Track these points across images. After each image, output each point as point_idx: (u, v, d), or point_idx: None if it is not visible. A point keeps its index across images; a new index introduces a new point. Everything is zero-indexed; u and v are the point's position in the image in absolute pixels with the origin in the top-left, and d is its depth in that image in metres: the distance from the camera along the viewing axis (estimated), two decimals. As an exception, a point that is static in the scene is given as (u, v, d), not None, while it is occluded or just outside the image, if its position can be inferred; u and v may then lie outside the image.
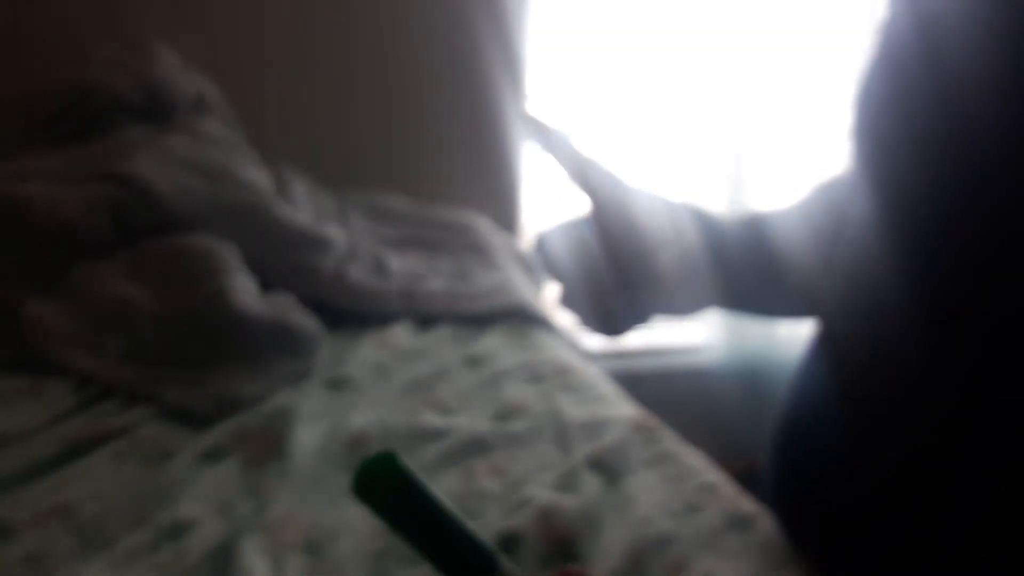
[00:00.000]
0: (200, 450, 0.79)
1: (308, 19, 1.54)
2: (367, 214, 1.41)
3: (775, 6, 1.74)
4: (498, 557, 0.34)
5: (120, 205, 1.07)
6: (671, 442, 0.82)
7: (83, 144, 1.18)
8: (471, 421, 0.86)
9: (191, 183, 1.12)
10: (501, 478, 0.76)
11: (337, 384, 0.95)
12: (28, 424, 0.81)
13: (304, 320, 1.00)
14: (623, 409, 0.89)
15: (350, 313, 1.13)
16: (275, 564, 0.63)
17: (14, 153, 1.15)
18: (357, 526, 0.67)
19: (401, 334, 1.10)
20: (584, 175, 0.66)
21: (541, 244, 0.72)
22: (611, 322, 0.70)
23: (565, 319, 1.02)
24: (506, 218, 1.67)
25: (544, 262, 0.72)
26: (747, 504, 0.70)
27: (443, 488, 0.74)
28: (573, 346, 1.15)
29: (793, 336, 1.47)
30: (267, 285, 1.06)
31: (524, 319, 1.16)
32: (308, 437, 0.82)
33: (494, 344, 1.09)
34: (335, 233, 1.22)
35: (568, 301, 0.71)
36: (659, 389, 1.27)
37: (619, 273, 0.66)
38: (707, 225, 0.68)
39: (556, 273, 0.71)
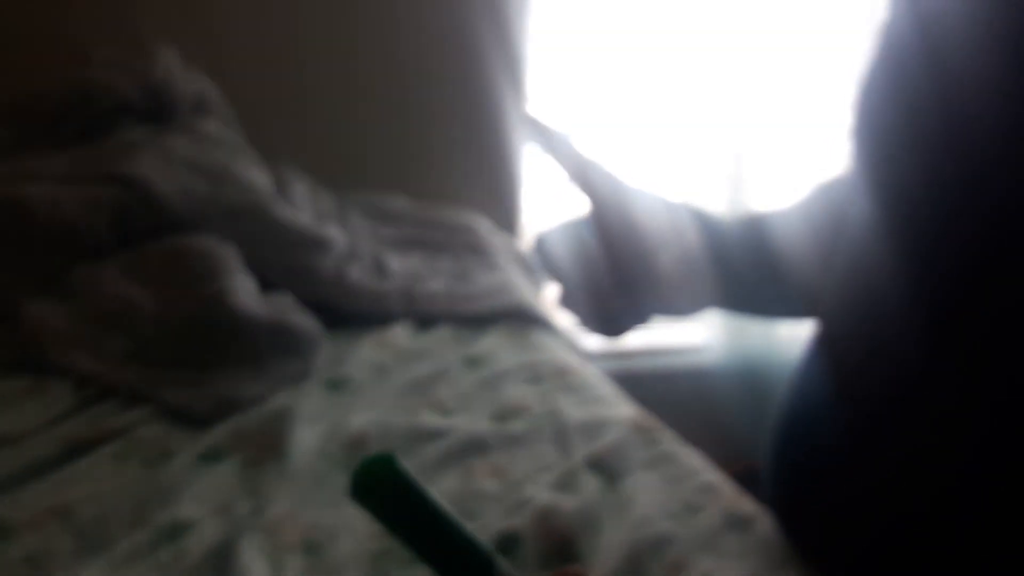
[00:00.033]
0: (199, 451, 0.79)
1: (308, 19, 1.54)
2: (367, 214, 1.41)
3: (775, 6, 1.74)
4: (496, 559, 0.34)
5: (120, 206, 1.07)
6: (670, 442, 0.82)
7: (84, 145, 1.18)
8: (470, 421, 0.86)
9: (191, 184, 1.12)
10: (500, 478, 0.76)
11: (337, 384, 0.95)
12: (28, 425, 0.81)
13: (304, 320, 1.00)
14: (622, 409, 0.89)
15: (350, 313, 1.13)
16: (274, 565, 0.63)
17: (15, 154, 1.15)
18: (356, 527, 0.67)
19: (401, 334, 1.10)
20: (584, 175, 0.66)
21: (541, 244, 0.72)
22: (611, 322, 0.70)
23: (565, 319, 1.02)
24: (506, 219, 1.67)
25: (544, 262, 0.72)
26: (746, 504, 0.70)
27: (442, 488, 0.74)
28: (573, 346, 1.15)
29: (793, 336, 1.47)
30: (267, 285, 1.06)
31: (524, 320, 1.16)
32: (307, 437, 0.82)
33: (494, 345, 1.09)
34: (335, 233, 1.22)
35: (568, 301, 0.71)
36: (658, 389, 1.27)
37: (619, 273, 0.66)
38: (707, 225, 0.68)
39: (556, 273, 0.71)
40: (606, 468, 0.77)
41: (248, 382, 0.90)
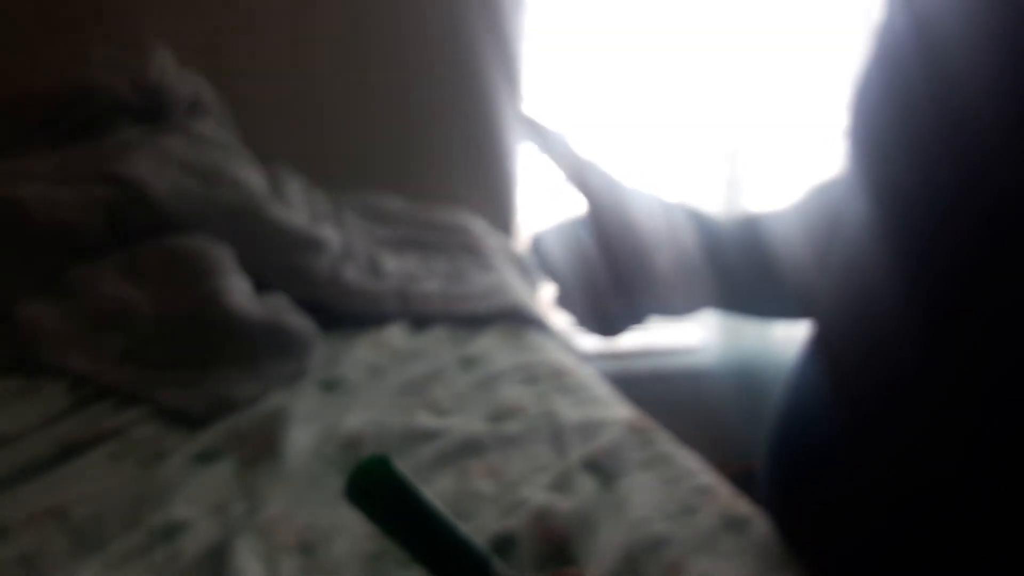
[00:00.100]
0: (195, 451, 0.79)
1: (303, 19, 1.54)
2: (362, 215, 1.41)
3: (773, 6, 1.74)
4: (492, 561, 0.34)
5: (116, 206, 1.07)
6: (666, 443, 0.82)
7: (79, 145, 1.18)
8: (466, 422, 0.86)
9: (186, 184, 1.12)
10: (496, 479, 0.76)
11: (331, 385, 0.95)
12: (23, 425, 0.81)
13: (298, 321, 1.00)
14: (618, 410, 0.89)
15: (345, 314, 1.13)
16: (269, 565, 0.63)
17: (11, 154, 1.15)
18: (351, 527, 0.67)
19: (396, 335, 1.10)
20: (580, 175, 0.66)
21: (537, 245, 0.72)
22: (607, 323, 0.70)
23: (561, 320, 1.02)
24: (502, 219, 1.67)
25: (540, 263, 0.72)
26: (743, 505, 0.70)
27: (438, 489, 0.74)
28: (568, 347, 1.14)
29: (789, 337, 1.47)
30: (262, 286, 1.06)
31: (519, 320, 1.16)
32: (302, 438, 0.82)
33: (489, 345, 1.09)
34: (330, 234, 1.22)
35: (564, 302, 0.71)
36: (655, 390, 1.27)
37: (615, 274, 0.66)
38: (703, 225, 0.68)
39: (552, 274, 0.71)
40: (602, 469, 0.77)
41: (243, 382, 0.90)
